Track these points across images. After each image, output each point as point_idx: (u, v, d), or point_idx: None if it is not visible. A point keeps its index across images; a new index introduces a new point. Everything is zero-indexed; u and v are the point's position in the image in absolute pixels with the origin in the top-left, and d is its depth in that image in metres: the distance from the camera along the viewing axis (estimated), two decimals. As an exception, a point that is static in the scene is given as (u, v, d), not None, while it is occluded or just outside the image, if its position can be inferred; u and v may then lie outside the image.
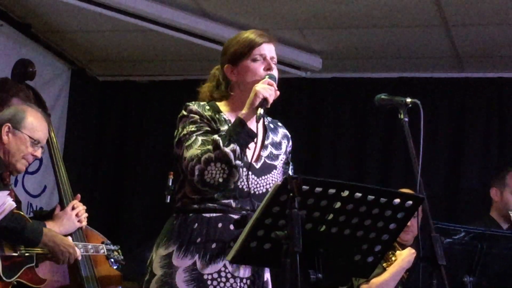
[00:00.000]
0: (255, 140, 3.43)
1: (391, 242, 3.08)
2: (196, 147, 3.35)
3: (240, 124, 3.37)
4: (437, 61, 6.92)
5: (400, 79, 7.14)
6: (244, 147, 3.35)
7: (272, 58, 3.53)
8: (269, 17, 6.23)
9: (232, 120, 3.48)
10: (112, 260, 4.71)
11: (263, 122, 3.60)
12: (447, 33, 6.28)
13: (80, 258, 4.34)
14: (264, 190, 3.46)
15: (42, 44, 6.76)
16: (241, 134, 3.35)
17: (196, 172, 3.31)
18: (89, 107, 7.58)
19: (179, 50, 6.84)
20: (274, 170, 3.55)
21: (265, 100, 3.36)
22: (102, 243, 4.70)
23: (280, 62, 6.56)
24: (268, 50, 3.53)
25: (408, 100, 3.42)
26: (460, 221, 5.97)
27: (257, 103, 3.35)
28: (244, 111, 3.39)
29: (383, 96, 3.54)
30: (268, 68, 3.49)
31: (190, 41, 6.47)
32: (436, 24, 6.14)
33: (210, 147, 3.32)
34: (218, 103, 3.55)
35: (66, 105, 7.20)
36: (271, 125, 3.67)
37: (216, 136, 3.34)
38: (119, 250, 4.77)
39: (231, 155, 3.30)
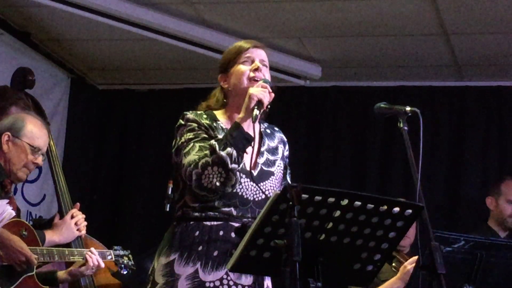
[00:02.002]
0: (253, 144, 3.44)
1: (390, 250, 3.08)
2: (193, 153, 3.38)
3: (236, 127, 3.40)
4: (436, 69, 6.92)
5: (399, 87, 7.14)
6: (241, 150, 3.38)
7: (261, 61, 3.57)
8: (269, 26, 6.24)
9: (229, 127, 3.49)
10: (122, 265, 4.70)
11: (259, 128, 3.63)
12: (446, 41, 6.29)
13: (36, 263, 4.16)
14: (263, 197, 3.48)
15: (41, 53, 6.76)
16: (237, 137, 3.37)
17: (194, 177, 3.33)
18: (89, 115, 7.57)
19: (179, 58, 6.85)
20: (272, 176, 3.56)
21: (260, 102, 3.39)
22: (112, 248, 4.70)
23: (279, 70, 6.69)
24: (256, 53, 3.59)
25: (408, 108, 3.42)
26: (459, 230, 5.96)
27: (252, 105, 3.38)
28: (240, 115, 3.43)
29: (382, 105, 3.54)
30: (256, 69, 3.52)
31: (189, 50, 6.47)
32: (435, 32, 6.15)
33: (207, 152, 3.35)
34: (215, 112, 3.58)
35: (66, 114, 7.20)
36: (268, 131, 3.69)
37: (212, 141, 3.37)
38: (130, 256, 4.77)
39: (227, 159, 3.33)
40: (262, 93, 3.41)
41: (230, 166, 3.34)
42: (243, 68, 3.54)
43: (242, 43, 3.61)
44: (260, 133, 3.64)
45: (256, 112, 3.36)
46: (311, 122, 7.31)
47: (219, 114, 3.59)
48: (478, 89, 7.06)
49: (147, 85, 7.63)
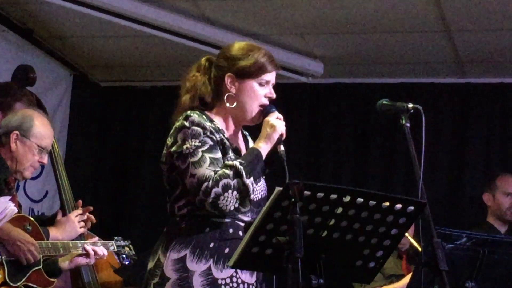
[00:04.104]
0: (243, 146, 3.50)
1: (392, 247, 3.08)
2: (206, 166, 3.34)
3: (259, 158, 3.42)
4: (439, 66, 6.92)
5: (402, 84, 7.14)
6: (255, 180, 3.42)
7: (273, 84, 3.59)
8: (271, 23, 6.24)
9: (225, 129, 3.52)
10: (124, 256, 4.71)
11: (242, 132, 3.67)
12: (449, 38, 6.28)
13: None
14: (259, 197, 3.52)
15: (44, 50, 6.76)
16: (258, 168, 3.41)
17: (212, 195, 3.30)
18: (91, 112, 7.58)
19: (181, 55, 6.84)
20: (262, 177, 3.59)
21: (281, 135, 3.45)
22: (112, 239, 4.71)
23: (282, 67, 6.62)
24: (273, 77, 3.58)
25: (410, 105, 3.42)
26: (462, 226, 5.98)
27: (276, 139, 3.43)
28: (261, 144, 3.45)
29: (384, 102, 3.55)
30: (270, 96, 3.55)
31: (192, 47, 6.47)
32: (438, 29, 6.14)
33: (228, 171, 3.33)
34: (207, 113, 3.55)
35: (68, 111, 7.21)
36: (246, 133, 3.74)
37: (237, 164, 3.35)
38: (130, 245, 4.78)
39: (251, 188, 3.37)
40: (283, 126, 3.47)
41: (251, 196, 3.40)
42: (260, 91, 3.53)
43: (266, 62, 3.54)
44: (244, 136, 3.70)
45: (282, 150, 3.41)
46: (313, 119, 7.31)
47: (211, 114, 3.55)
48: (480, 86, 7.06)
49: (149, 82, 7.64)
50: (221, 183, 3.31)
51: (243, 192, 3.35)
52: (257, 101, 3.52)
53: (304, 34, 6.44)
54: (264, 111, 3.52)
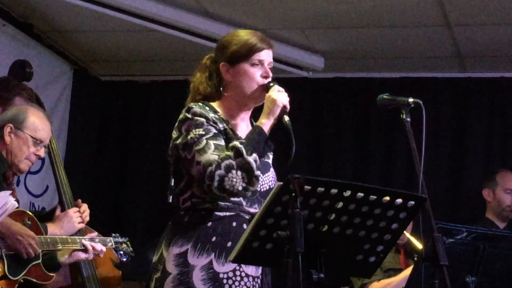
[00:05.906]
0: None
1: (393, 242, 3.09)
2: (210, 152, 3.35)
3: (261, 134, 3.41)
4: (439, 61, 6.92)
5: (402, 79, 7.14)
6: (261, 157, 3.41)
7: (269, 63, 3.56)
8: (272, 17, 6.23)
9: (229, 119, 3.52)
10: (121, 252, 4.71)
11: (251, 122, 3.65)
12: (449, 33, 6.28)
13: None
14: (267, 188, 3.52)
15: (44, 44, 6.76)
16: (261, 144, 3.39)
17: (216, 178, 3.30)
18: (91, 106, 7.58)
19: (182, 50, 6.84)
20: (271, 168, 3.61)
21: (284, 107, 3.43)
22: (111, 235, 4.71)
23: (282, 62, 6.68)
24: (267, 56, 3.55)
25: (411, 100, 3.42)
26: (462, 221, 5.98)
27: (278, 112, 3.42)
28: (263, 120, 3.44)
29: (385, 96, 3.55)
30: (266, 76, 3.52)
31: (192, 41, 6.47)
32: (438, 24, 6.14)
33: (229, 153, 3.33)
34: (212, 104, 3.55)
35: (68, 105, 7.20)
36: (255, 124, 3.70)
37: (237, 143, 3.35)
38: (128, 242, 4.78)
39: (254, 164, 3.33)
40: (284, 97, 3.45)
41: (255, 172, 3.35)
42: (254, 72, 3.51)
43: (256, 41, 3.53)
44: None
45: (287, 121, 3.41)
46: (314, 114, 7.30)
47: (215, 105, 3.56)
48: (481, 81, 7.05)
49: (149, 76, 7.63)
50: (223, 165, 3.31)
51: (248, 170, 3.33)
52: (254, 82, 3.51)
53: (304, 28, 6.43)
54: (265, 87, 3.50)
